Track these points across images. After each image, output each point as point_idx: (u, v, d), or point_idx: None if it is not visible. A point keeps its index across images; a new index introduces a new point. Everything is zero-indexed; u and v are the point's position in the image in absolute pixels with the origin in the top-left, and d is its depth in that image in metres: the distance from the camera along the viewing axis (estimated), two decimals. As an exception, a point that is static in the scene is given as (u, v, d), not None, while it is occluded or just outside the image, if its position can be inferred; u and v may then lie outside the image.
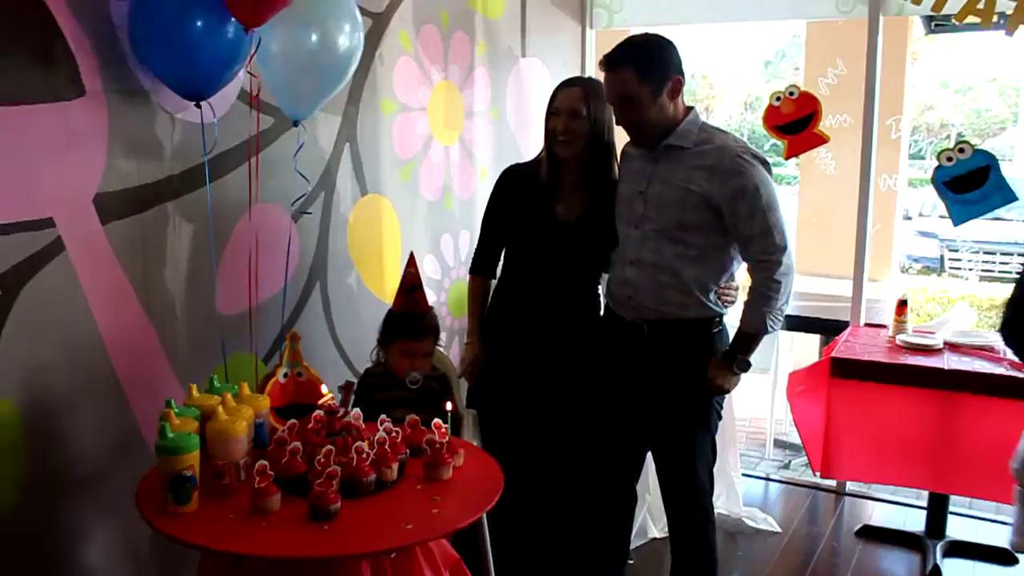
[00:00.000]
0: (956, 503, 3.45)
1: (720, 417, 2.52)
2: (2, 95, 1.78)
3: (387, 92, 2.95)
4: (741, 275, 2.48)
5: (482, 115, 3.48)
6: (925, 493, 3.41)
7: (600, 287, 2.67)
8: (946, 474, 3.07)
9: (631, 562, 2.91)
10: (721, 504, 3.37)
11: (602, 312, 2.62)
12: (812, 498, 3.82)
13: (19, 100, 1.82)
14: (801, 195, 8.08)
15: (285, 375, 2.21)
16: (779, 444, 4.54)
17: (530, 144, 3.51)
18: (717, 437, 2.53)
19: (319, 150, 2.70)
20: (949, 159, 3.11)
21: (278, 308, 2.54)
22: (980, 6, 3.03)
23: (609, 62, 2.30)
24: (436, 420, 1.96)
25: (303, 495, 1.74)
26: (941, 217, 9.01)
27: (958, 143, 3.13)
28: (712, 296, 2.38)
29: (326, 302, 2.80)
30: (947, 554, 3.24)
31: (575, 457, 2.61)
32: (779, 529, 3.44)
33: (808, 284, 5.11)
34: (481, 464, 2.04)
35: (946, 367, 3.02)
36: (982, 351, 3.16)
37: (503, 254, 2.68)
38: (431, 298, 2.43)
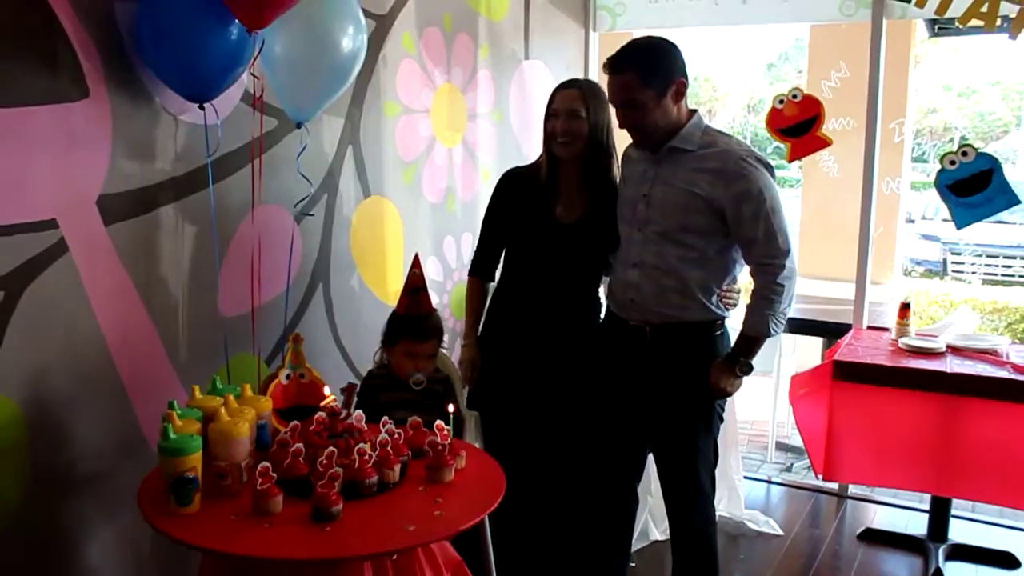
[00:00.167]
0: (958, 506, 3.44)
1: (722, 420, 2.51)
2: (6, 97, 1.79)
3: (390, 94, 2.96)
4: (743, 278, 2.48)
5: (485, 117, 3.48)
6: (927, 496, 3.40)
7: (601, 289, 2.67)
8: (948, 477, 3.07)
9: (633, 564, 2.91)
10: (723, 507, 3.36)
11: (603, 315, 2.62)
12: (814, 501, 3.82)
13: (23, 102, 1.82)
14: (804, 198, 8.07)
15: (287, 376, 2.21)
16: (781, 447, 4.54)
17: (533, 146, 3.51)
18: (719, 440, 2.53)
19: (322, 152, 2.70)
20: (952, 162, 3.11)
21: (280, 310, 2.54)
22: (983, 10, 3.02)
23: (613, 65, 2.30)
24: (438, 422, 1.96)
25: (305, 497, 1.74)
26: (944, 220, 8.98)
27: (961, 146, 3.12)
28: (714, 299, 2.38)
29: (328, 304, 2.80)
30: (949, 558, 3.24)
31: (576, 459, 2.61)
32: (781, 532, 3.44)
33: (811, 287, 5.10)
34: (483, 466, 2.04)
35: (949, 371, 3.02)
36: (985, 355, 3.16)
37: (503, 256, 2.69)
38: (433, 300, 2.43)
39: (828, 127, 3.39)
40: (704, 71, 18.33)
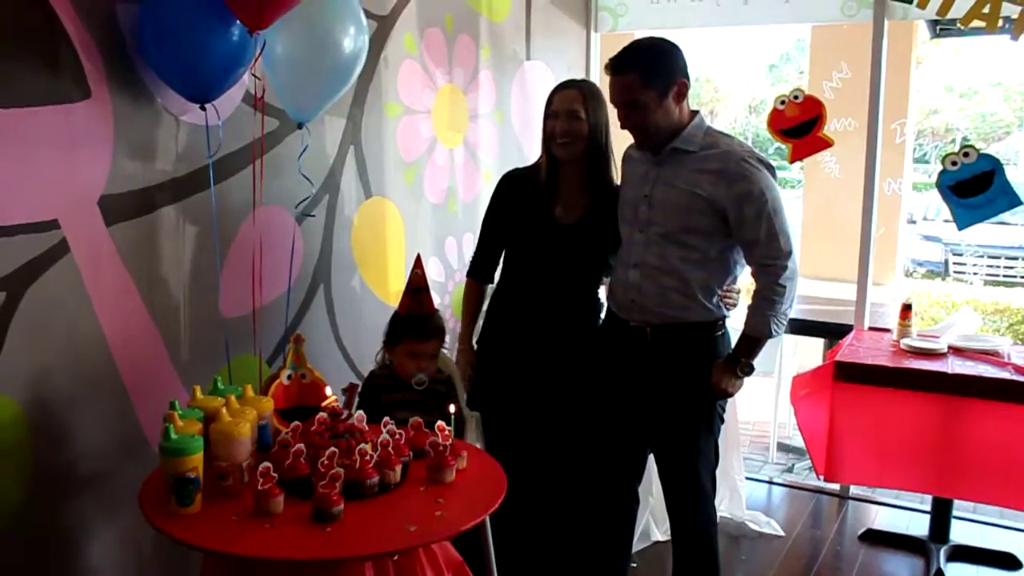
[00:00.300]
0: (960, 507, 3.44)
1: (723, 420, 2.51)
2: (8, 97, 1.79)
3: (392, 95, 2.96)
4: (744, 278, 2.48)
5: (486, 118, 3.48)
6: (929, 497, 3.40)
7: (601, 290, 2.67)
8: (950, 478, 3.07)
9: (634, 565, 2.91)
10: (724, 507, 3.36)
11: (604, 315, 2.62)
12: (815, 502, 3.81)
13: (25, 102, 1.82)
14: (805, 199, 8.07)
15: (289, 377, 2.22)
16: (782, 448, 4.54)
17: (534, 147, 3.50)
18: (720, 440, 2.53)
19: (323, 153, 2.70)
20: (954, 163, 3.11)
21: (282, 310, 2.54)
22: (985, 11, 3.02)
23: (615, 66, 2.30)
24: (439, 422, 1.96)
25: (306, 497, 1.74)
26: (945, 221, 8.99)
27: (963, 147, 3.12)
28: (715, 299, 2.38)
29: (330, 304, 2.80)
30: (951, 558, 3.24)
31: (577, 459, 2.61)
32: (782, 533, 3.44)
33: (812, 288, 5.10)
34: (484, 466, 2.04)
35: (950, 371, 3.02)
36: (986, 355, 3.16)
37: (503, 257, 2.69)
38: (435, 301, 2.44)
39: (829, 128, 3.39)
40: (706, 72, 18.34)
